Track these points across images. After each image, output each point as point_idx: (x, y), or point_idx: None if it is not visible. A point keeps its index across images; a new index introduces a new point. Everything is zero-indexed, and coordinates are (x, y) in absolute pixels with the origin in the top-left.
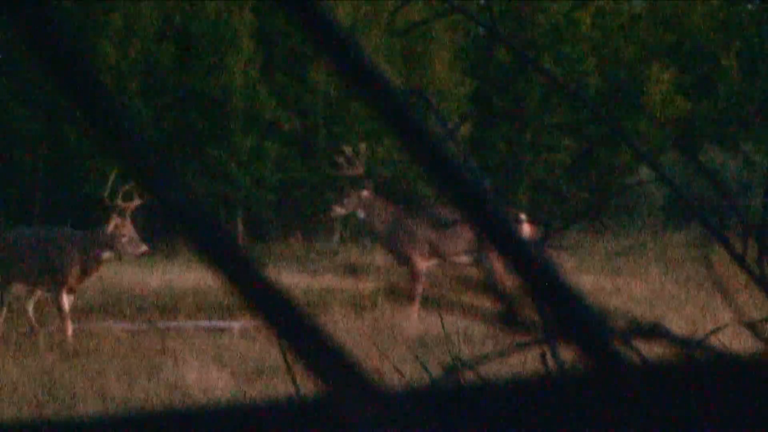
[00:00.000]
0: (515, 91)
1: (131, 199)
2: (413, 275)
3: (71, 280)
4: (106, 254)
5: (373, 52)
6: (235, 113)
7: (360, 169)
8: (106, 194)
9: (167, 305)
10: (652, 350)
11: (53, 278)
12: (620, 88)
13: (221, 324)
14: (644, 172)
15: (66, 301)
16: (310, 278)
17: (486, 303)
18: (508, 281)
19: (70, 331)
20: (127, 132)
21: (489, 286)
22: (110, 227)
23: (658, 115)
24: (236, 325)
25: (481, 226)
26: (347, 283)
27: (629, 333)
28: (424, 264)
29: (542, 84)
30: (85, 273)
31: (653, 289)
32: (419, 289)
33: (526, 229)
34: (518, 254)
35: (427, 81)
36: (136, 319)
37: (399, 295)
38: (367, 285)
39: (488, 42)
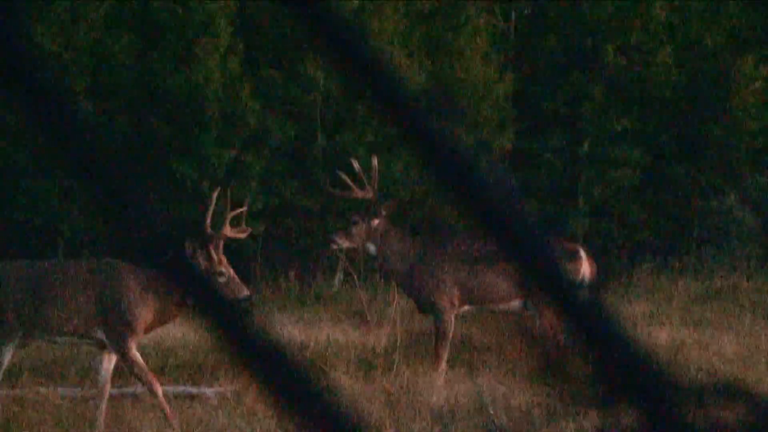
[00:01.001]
0: (569, 89)
1: (240, 229)
2: (439, 327)
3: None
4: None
5: (386, 40)
6: (210, 118)
7: (370, 191)
8: (208, 219)
9: (122, 365)
10: (736, 417)
11: (114, 328)
12: (703, 87)
13: (192, 390)
14: (735, 194)
15: (135, 357)
16: (307, 329)
17: (531, 362)
18: (560, 334)
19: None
20: (75, 139)
21: (535, 341)
22: (202, 263)
23: (751, 121)
24: (211, 391)
25: (525, 264)
26: (354, 337)
27: (706, 396)
28: (453, 312)
29: (604, 80)
30: (156, 324)
31: (747, 344)
32: (446, 345)
33: (585, 267)
34: (572, 300)
35: (456, 77)
36: (82, 383)
37: (421, 352)
38: (379, 339)
39: (534, 26)
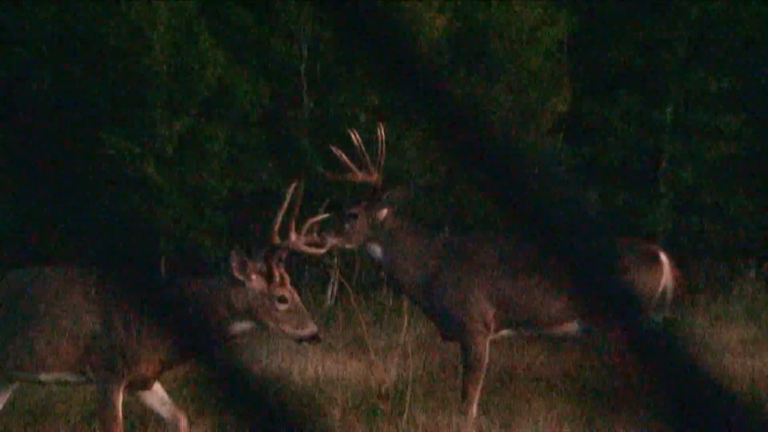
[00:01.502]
0: (644, 35)
1: (313, 239)
2: (468, 358)
3: (150, 368)
4: (240, 327)
5: None
6: (155, 75)
7: (374, 172)
8: (277, 223)
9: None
10: None
11: (112, 362)
12: None
13: None
14: None
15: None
16: (291, 360)
17: (590, 403)
18: (628, 365)
19: None
20: None
21: (595, 373)
22: (254, 280)
23: None
24: None
25: (583, 275)
26: (353, 370)
27: None
28: (487, 338)
29: (692, 24)
30: (183, 358)
31: None
32: (478, 382)
33: (667, 276)
34: (638, 326)
35: (491, 19)
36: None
37: (442, 391)
38: (386, 373)
39: None
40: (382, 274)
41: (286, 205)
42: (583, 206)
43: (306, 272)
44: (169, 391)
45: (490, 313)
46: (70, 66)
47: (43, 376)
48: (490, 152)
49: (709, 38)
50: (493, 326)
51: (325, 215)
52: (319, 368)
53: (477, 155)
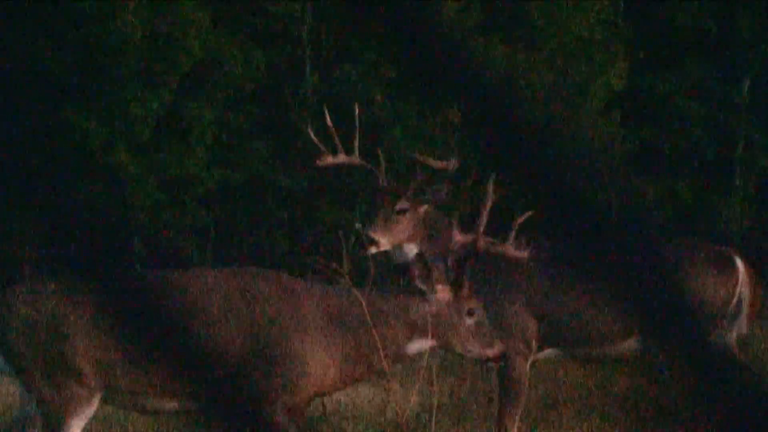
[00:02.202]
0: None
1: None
2: (506, 381)
3: (304, 393)
4: (418, 347)
5: None
6: (128, 46)
7: (452, 161)
8: (481, 226)
9: None
10: None
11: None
12: None
13: None
14: None
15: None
16: None
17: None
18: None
19: None
20: None
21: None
22: (440, 290)
23: None
24: None
25: (642, 283)
26: (368, 396)
27: None
28: (528, 359)
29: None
30: (344, 384)
31: None
32: (517, 409)
33: (743, 282)
34: (710, 339)
35: None
36: None
37: (472, 420)
38: (406, 400)
39: None
40: (403, 279)
41: (489, 201)
42: (642, 201)
43: (308, 278)
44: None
45: (532, 330)
46: (26, 33)
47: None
48: (529, 137)
49: None
50: (535, 345)
51: (528, 213)
52: (327, 396)
53: (513, 140)
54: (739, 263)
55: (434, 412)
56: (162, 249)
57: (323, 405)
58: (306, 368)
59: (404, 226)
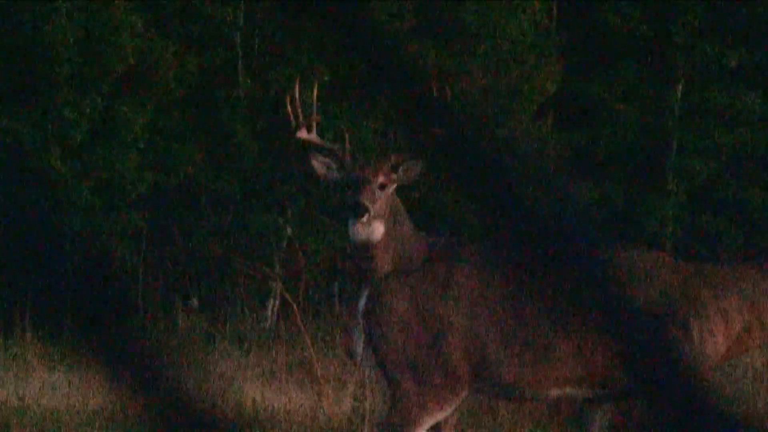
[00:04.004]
0: (650, 2)
1: None
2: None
3: None
4: None
5: None
6: (61, 47)
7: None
8: None
9: None
10: None
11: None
12: None
13: None
14: None
15: None
16: (223, 388)
17: None
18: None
19: None
20: None
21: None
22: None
23: None
24: None
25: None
26: (299, 401)
27: None
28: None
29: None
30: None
31: None
32: (450, 421)
33: None
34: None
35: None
36: None
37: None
38: (338, 405)
39: None
40: (372, 260)
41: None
42: (576, 206)
43: (241, 282)
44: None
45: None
46: None
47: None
48: (462, 141)
49: (728, 4)
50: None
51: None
52: (258, 398)
53: (446, 144)
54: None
55: (367, 415)
56: (94, 253)
57: (255, 408)
58: None
59: (383, 201)
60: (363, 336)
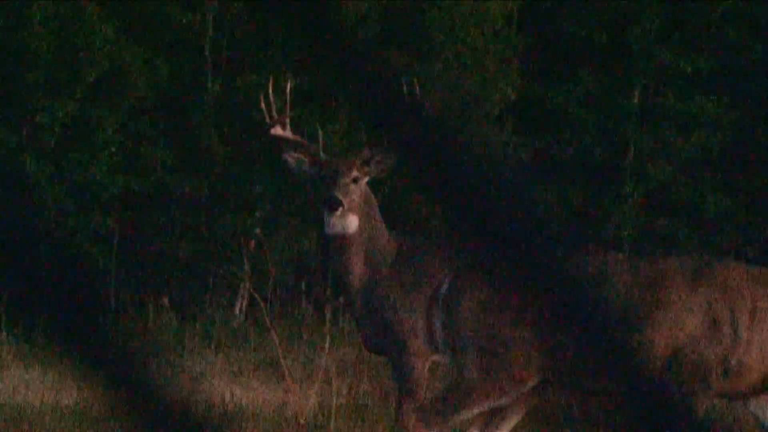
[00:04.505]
0: (609, 5)
1: None
2: (406, 380)
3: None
4: None
5: None
6: (34, 51)
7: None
8: None
9: None
10: None
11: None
12: None
13: None
14: None
15: None
16: (193, 384)
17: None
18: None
19: None
20: None
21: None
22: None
23: None
24: None
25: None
26: (269, 396)
27: None
28: (426, 362)
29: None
30: None
31: None
32: (415, 404)
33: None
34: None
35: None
36: None
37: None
38: (304, 400)
39: None
40: (344, 252)
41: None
42: (538, 208)
43: (210, 282)
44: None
45: (433, 331)
46: None
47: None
48: (426, 144)
49: (684, 11)
50: (428, 347)
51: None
52: (227, 395)
53: (410, 147)
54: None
55: (333, 411)
56: (68, 252)
57: (224, 404)
58: None
59: (357, 194)
60: (442, 320)
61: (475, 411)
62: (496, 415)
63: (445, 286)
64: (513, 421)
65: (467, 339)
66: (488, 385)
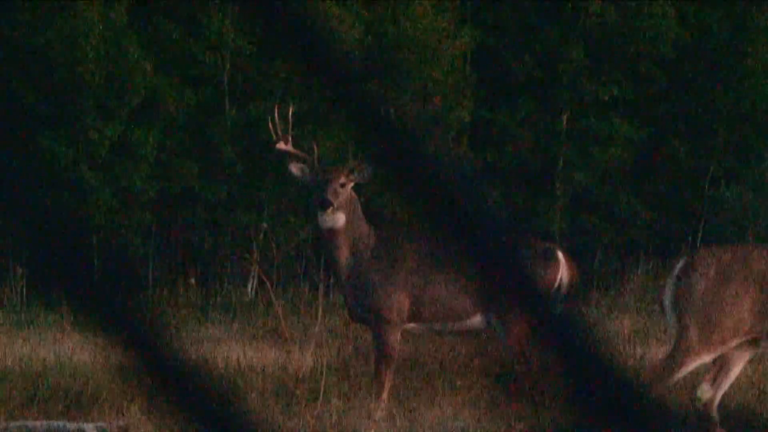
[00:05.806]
0: (542, 47)
1: None
2: (382, 346)
3: None
4: None
5: None
6: (88, 82)
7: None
8: None
9: None
10: None
11: None
12: (711, 44)
13: (69, 426)
14: (751, 179)
15: None
16: (213, 347)
17: (495, 388)
18: (530, 355)
19: None
20: None
21: (501, 363)
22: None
23: None
24: (92, 426)
25: (487, 270)
26: (272, 358)
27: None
28: (398, 331)
29: (587, 35)
30: None
31: (761, 369)
32: (390, 368)
33: (563, 272)
34: (544, 315)
35: (400, 31)
36: None
37: (356, 377)
38: (303, 361)
39: None
40: (333, 242)
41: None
42: (487, 206)
43: (228, 267)
44: (87, 380)
45: (405, 303)
46: (8, 74)
47: None
48: (399, 156)
49: (602, 51)
50: (405, 318)
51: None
52: (241, 356)
53: (387, 158)
54: (560, 255)
55: (324, 368)
56: (115, 244)
57: (238, 363)
58: None
59: (344, 196)
60: (673, 293)
61: (687, 371)
62: (721, 369)
63: (679, 265)
64: (735, 373)
65: (694, 310)
66: (701, 349)
